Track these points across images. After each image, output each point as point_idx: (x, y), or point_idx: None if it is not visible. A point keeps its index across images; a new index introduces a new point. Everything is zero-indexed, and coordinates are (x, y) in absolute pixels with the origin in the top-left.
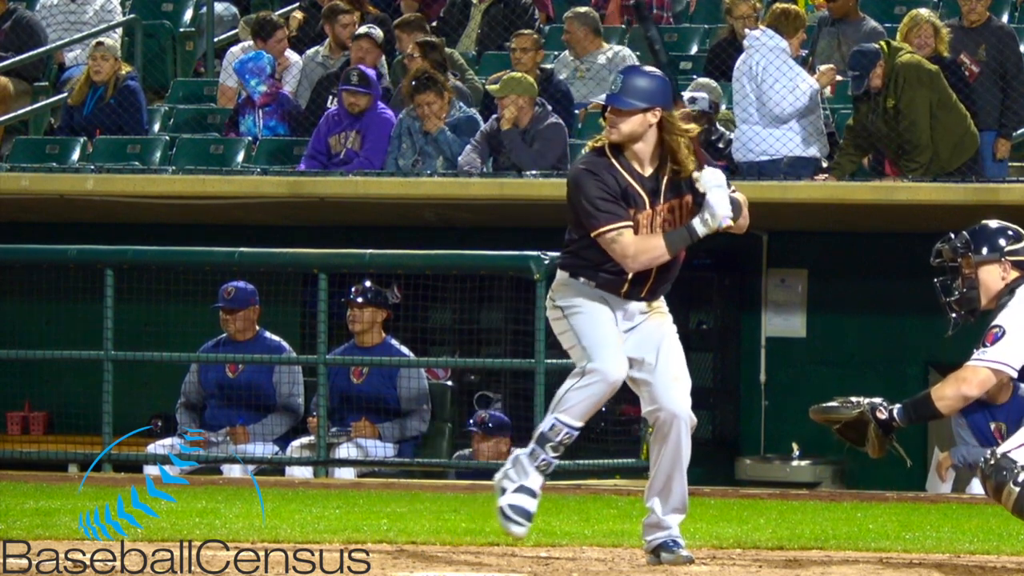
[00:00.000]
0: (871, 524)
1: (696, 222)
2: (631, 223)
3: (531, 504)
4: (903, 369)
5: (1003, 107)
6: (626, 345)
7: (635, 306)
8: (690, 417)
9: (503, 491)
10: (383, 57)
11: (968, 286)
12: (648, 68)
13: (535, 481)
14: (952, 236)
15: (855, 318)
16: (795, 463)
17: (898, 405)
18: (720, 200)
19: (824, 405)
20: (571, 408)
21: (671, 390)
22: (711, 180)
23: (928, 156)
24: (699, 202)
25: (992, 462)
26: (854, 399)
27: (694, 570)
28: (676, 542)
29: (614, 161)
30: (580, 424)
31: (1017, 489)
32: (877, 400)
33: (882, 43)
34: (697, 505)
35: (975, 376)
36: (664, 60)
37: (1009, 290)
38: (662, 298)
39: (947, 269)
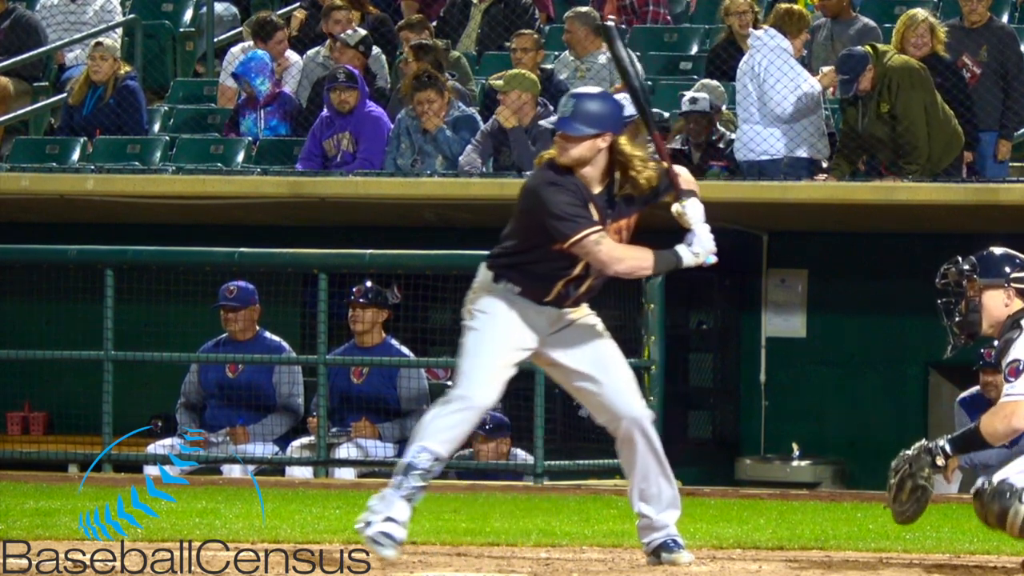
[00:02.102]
0: (871, 524)
1: (684, 252)
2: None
3: (399, 531)
4: (903, 369)
5: (1004, 107)
6: (554, 353)
7: (555, 313)
8: (649, 414)
9: (368, 524)
10: (383, 57)
11: (971, 309)
12: (600, 92)
13: (401, 511)
14: (959, 259)
15: (855, 318)
16: (795, 463)
17: (945, 442)
18: (707, 236)
19: (906, 512)
20: (438, 435)
21: (624, 395)
22: (696, 215)
23: (925, 157)
24: (666, 199)
25: (990, 489)
26: (917, 481)
27: (694, 570)
28: (676, 542)
29: (571, 176)
30: (447, 453)
31: None
32: (924, 455)
33: (868, 46)
34: (697, 505)
35: (1020, 409)
36: (636, 84)
37: (1013, 323)
38: (596, 318)
39: (951, 291)
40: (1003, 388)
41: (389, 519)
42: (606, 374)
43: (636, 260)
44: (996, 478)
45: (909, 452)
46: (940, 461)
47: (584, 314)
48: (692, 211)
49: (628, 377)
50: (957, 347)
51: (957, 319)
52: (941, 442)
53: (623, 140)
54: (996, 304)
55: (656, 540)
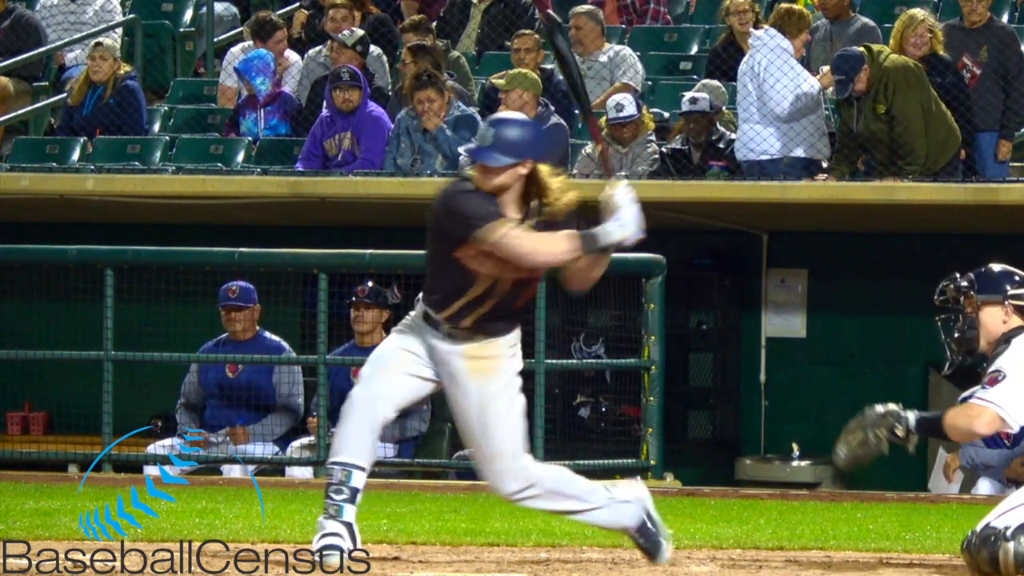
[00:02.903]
0: (871, 524)
1: (604, 231)
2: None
3: (340, 540)
4: (903, 369)
5: (1004, 108)
6: (447, 392)
7: (447, 348)
8: (516, 490)
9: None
10: (383, 57)
11: (968, 326)
12: (520, 118)
13: (334, 527)
14: (957, 276)
15: (855, 318)
16: (795, 463)
17: (913, 419)
18: (635, 215)
19: (848, 455)
20: (339, 446)
21: (486, 470)
22: (624, 197)
23: (923, 157)
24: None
25: (975, 539)
26: (869, 435)
27: (694, 570)
28: (643, 533)
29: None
30: (355, 459)
31: (1012, 543)
32: (890, 418)
33: (863, 47)
34: (697, 505)
35: (985, 415)
36: (577, 79)
37: (1005, 339)
38: (491, 346)
39: (949, 308)
40: (977, 392)
41: (325, 535)
42: (477, 442)
43: (558, 246)
44: (978, 527)
45: (880, 409)
46: (900, 432)
47: (480, 369)
48: (621, 193)
49: (499, 453)
50: (955, 364)
51: (956, 336)
52: (910, 416)
53: (543, 168)
54: (994, 321)
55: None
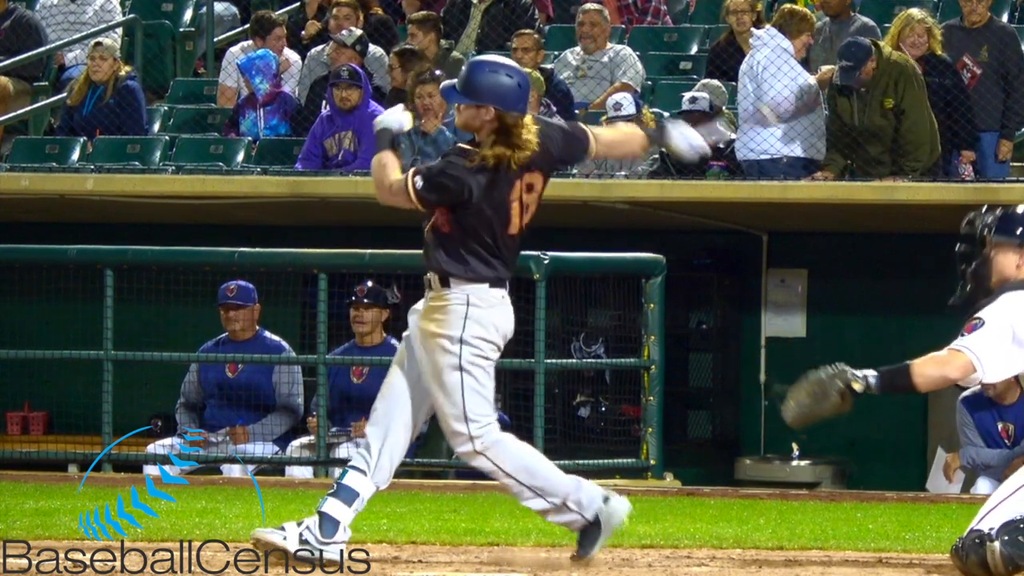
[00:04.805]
0: (871, 524)
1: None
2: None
3: (276, 536)
4: None
5: (1004, 108)
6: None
7: (413, 318)
8: (469, 450)
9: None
10: (385, 58)
11: (981, 263)
12: (501, 64)
13: (301, 520)
14: (985, 210)
15: (855, 318)
16: (795, 463)
17: (873, 374)
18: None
19: (798, 410)
20: None
21: (443, 427)
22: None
23: (927, 154)
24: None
25: (964, 544)
26: (823, 389)
27: (694, 570)
28: (590, 510)
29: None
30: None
31: (997, 543)
32: (845, 372)
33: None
34: (697, 505)
35: (957, 360)
36: None
37: (1000, 290)
38: (444, 300)
39: (972, 239)
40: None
41: (275, 528)
42: (433, 400)
43: (376, 176)
44: (966, 532)
45: (830, 368)
46: (858, 387)
47: (427, 329)
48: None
49: (446, 414)
50: (963, 297)
51: (971, 267)
52: (871, 374)
53: (508, 119)
54: (1007, 264)
55: (577, 524)
